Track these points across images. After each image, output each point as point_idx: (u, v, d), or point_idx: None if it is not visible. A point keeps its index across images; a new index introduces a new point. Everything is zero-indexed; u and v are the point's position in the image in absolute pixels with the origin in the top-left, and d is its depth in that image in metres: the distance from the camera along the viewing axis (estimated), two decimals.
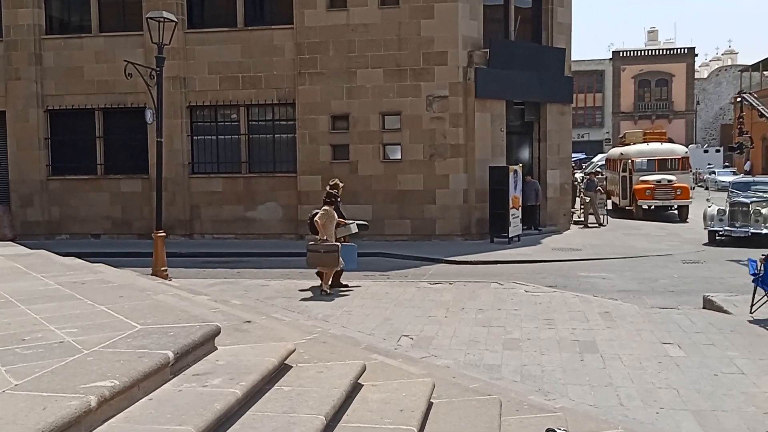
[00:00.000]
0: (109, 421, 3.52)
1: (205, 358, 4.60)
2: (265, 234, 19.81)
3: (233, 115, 20.37)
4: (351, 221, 12.35)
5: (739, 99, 20.80)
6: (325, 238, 11.27)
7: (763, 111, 19.27)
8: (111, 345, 4.31)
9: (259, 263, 16.00)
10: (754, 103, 20.31)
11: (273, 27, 19.71)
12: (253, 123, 20.26)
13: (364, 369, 5.08)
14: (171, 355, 4.15)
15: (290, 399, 4.26)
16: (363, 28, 18.90)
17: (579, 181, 26.52)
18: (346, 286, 11.69)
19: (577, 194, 25.45)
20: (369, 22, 18.87)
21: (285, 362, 4.88)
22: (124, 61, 14.37)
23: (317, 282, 11.68)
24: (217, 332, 4.88)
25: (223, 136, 20.35)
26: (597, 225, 22.70)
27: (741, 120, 19.87)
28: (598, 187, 24.45)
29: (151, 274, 12.02)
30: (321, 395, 4.34)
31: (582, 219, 23.72)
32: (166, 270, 12.52)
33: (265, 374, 4.45)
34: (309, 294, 11.42)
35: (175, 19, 13.13)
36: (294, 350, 5.08)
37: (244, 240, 19.58)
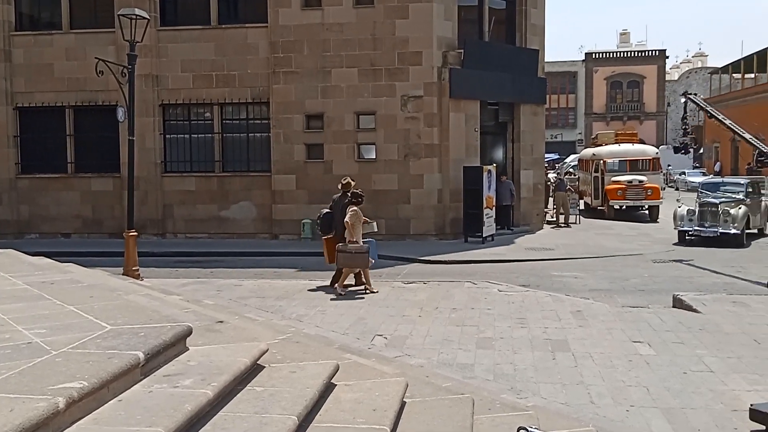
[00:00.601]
0: (78, 423, 3.48)
1: (177, 359, 4.55)
2: (239, 233, 19.70)
3: (207, 113, 20.22)
4: (371, 220, 12.34)
5: (684, 100, 20.58)
6: (355, 239, 11.37)
7: (712, 112, 19.28)
8: (80, 346, 4.25)
9: (233, 263, 15.91)
10: (701, 104, 20.30)
11: (247, 25, 19.60)
12: (227, 122, 20.14)
13: (337, 369, 5.07)
14: (141, 355, 4.11)
15: (262, 399, 4.24)
16: (338, 27, 18.88)
17: (551, 181, 26.73)
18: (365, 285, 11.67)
19: (550, 194, 25.66)
20: (344, 22, 18.85)
21: (258, 362, 4.86)
22: (96, 58, 14.20)
23: (316, 282, 11.65)
24: (189, 332, 4.83)
25: (196, 135, 20.19)
26: (565, 225, 22.83)
27: (685, 120, 19.73)
28: (569, 188, 24.66)
29: (123, 274, 11.88)
30: (293, 395, 4.32)
31: (554, 219, 23.92)
32: (137, 270, 12.40)
33: (237, 375, 4.42)
34: (324, 292, 11.38)
35: (148, 17, 13.01)
36: (267, 350, 5.06)
37: (217, 239, 19.46)
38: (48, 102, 20.19)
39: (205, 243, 18.98)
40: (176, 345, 4.63)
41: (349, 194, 11.74)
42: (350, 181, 12.23)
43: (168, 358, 4.48)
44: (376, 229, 12.35)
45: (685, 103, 20.30)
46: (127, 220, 12.99)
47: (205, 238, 19.63)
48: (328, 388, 4.82)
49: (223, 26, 19.72)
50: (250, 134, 20.06)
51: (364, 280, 11.55)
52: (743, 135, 16.80)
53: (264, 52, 19.39)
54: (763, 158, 14.52)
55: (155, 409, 3.68)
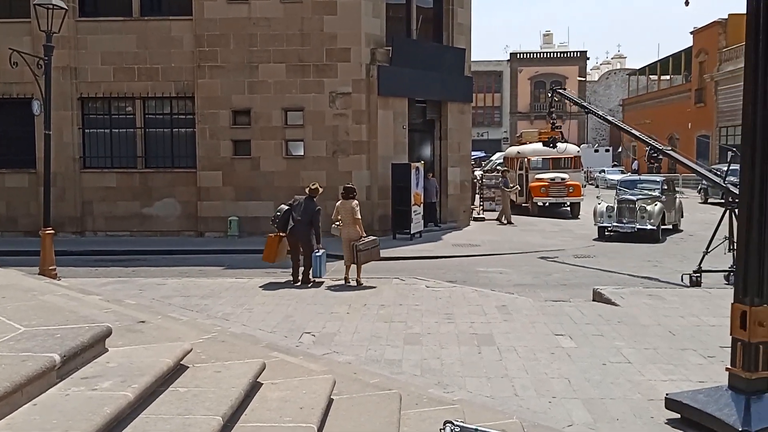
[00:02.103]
0: None
1: (95, 361, 4.40)
2: (162, 231, 19.24)
3: (128, 107, 19.65)
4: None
5: (551, 94, 20.23)
6: (365, 235, 11.81)
7: (585, 105, 19.43)
8: None
9: (156, 261, 15.51)
10: (571, 97, 20.38)
11: (171, 18, 19.14)
12: (150, 116, 19.63)
13: (263, 367, 5.01)
14: (57, 358, 3.96)
15: (186, 400, 4.15)
16: (265, 22, 18.66)
17: (478, 178, 27.14)
18: (313, 281, 11.89)
19: (477, 191, 26.05)
20: (271, 16, 18.64)
21: (181, 363, 4.75)
22: (9, 49, 13.54)
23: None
24: (108, 333, 4.68)
25: (117, 130, 19.60)
26: (507, 222, 23.13)
27: (552, 114, 19.57)
28: (511, 185, 25.08)
29: (38, 274, 11.41)
30: (218, 395, 4.24)
31: (481, 215, 24.33)
32: (54, 269, 11.94)
33: (159, 376, 4.31)
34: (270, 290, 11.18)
35: (65, 6, 12.51)
36: (190, 350, 4.95)
37: (140, 237, 18.94)
38: None
39: (127, 241, 18.45)
40: (95, 346, 4.48)
41: (342, 191, 11.86)
42: (318, 186, 12.23)
43: (86, 360, 4.33)
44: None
45: (551, 97, 20.01)
46: (43, 218, 12.47)
47: (126, 237, 19.08)
48: (255, 387, 4.76)
49: (146, 18, 19.19)
50: (174, 129, 19.60)
51: (356, 273, 11.80)
52: (631, 131, 17.11)
53: (189, 46, 18.98)
54: (655, 154, 14.92)
55: (72, 412, 3.55)
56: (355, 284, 11.68)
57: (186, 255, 16.19)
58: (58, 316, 4.95)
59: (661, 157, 15.17)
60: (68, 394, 3.83)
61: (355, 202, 11.75)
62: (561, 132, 20.25)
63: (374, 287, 11.49)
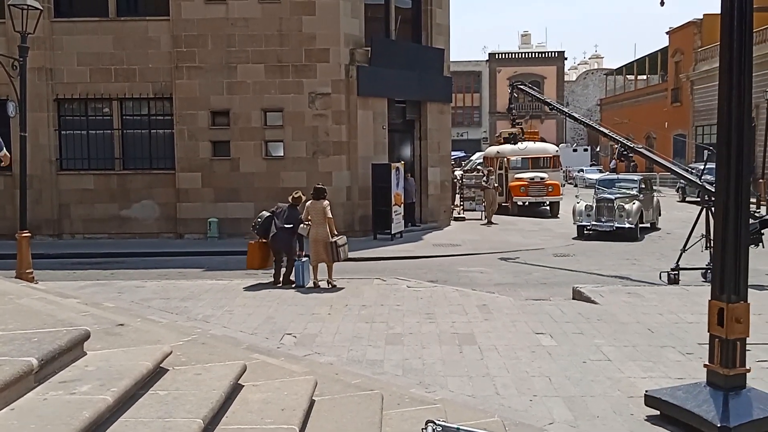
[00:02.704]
0: None
1: (74, 364, 4.35)
2: (141, 233, 19.08)
3: (105, 108, 19.47)
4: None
5: (510, 90, 19.67)
6: (336, 232, 11.69)
7: (548, 101, 19.29)
8: None
9: (135, 264, 15.38)
10: (536, 95, 19.85)
11: (148, 18, 19.00)
12: (128, 117, 19.46)
13: (244, 369, 4.97)
14: (35, 362, 3.90)
15: (166, 403, 4.11)
16: (243, 22, 18.57)
17: (458, 178, 27.21)
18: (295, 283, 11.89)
19: (457, 191, 26.11)
20: (249, 17, 18.57)
21: (161, 365, 4.70)
22: None
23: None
24: (87, 336, 4.62)
25: (94, 131, 19.40)
26: (487, 223, 23.19)
27: (512, 110, 19.26)
28: (496, 185, 25.13)
29: (15, 277, 11.26)
30: (199, 398, 4.21)
31: (461, 215, 24.39)
32: (31, 272, 11.79)
33: (139, 379, 4.26)
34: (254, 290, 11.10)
35: (40, 7, 12.38)
36: (170, 353, 4.90)
37: (118, 240, 18.77)
38: None
39: (105, 244, 18.27)
40: (73, 350, 4.42)
41: (312, 192, 11.79)
42: (302, 195, 12.19)
43: (64, 364, 4.28)
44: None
45: (511, 93, 19.56)
46: (19, 221, 12.32)
47: (104, 239, 18.90)
48: (236, 389, 4.72)
49: (122, 18, 19.03)
50: (152, 131, 19.46)
51: (315, 277, 11.71)
52: (599, 128, 17.15)
53: (166, 46, 18.84)
54: (626, 152, 14.94)
55: (50, 417, 3.50)
56: (328, 287, 11.48)
57: (165, 257, 16.08)
58: (36, 320, 4.88)
59: (631, 154, 15.16)
60: (46, 398, 3.78)
61: (326, 202, 11.59)
62: (522, 128, 19.86)
63: (343, 288, 11.37)
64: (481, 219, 23.59)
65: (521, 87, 19.73)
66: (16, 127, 14.31)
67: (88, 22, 19.01)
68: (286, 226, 11.68)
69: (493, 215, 23.65)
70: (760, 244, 11.57)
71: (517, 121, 18.99)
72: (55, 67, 18.96)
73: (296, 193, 12.21)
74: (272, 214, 11.93)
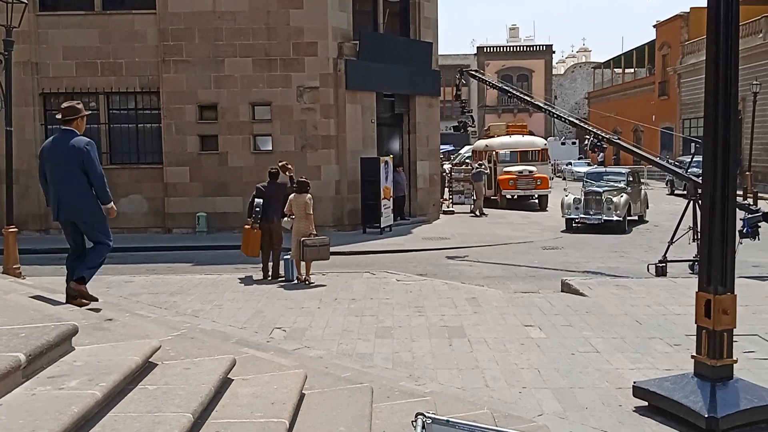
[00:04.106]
0: None
1: (62, 360, 4.33)
2: (129, 228, 18.92)
3: (92, 103, 19.27)
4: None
5: (459, 76, 18.79)
6: (315, 232, 11.45)
7: (506, 88, 18.86)
8: None
9: (123, 258, 15.27)
10: (490, 82, 19.18)
11: (134, 12, 18.87)
12: (114, 112, 19.33)
13: (234, 363, 4.97)
14: (22, 357, 3.88)
15: (155, 398, 4.10)
16: (230, 15, 18.48)
17: (447, 172, 27.24)
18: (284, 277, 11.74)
19: (446, 185, 26.15)
20: (236, 10, 18.48)
21: (150, 360, 4.69)
22: None
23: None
24: (75, 332, 4.60)
25: None
26: (473, 215, 23.21)
27: (459, 96, 18.52)
28: (487, 171, 25.14)
29: (2, 273, 11.21)
30: (188, 392, 4.20)
31: (450, 209, 24.43)
32: (18, 268, 11.70)
33: (128, 374, 4.25)
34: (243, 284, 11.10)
35: (25, 1, 12.25)
36: (159, 347, 4.89)
37: None
38: None
39: None
40: (61, 345, 4.40)
41: (294, 184, 11.58)
42: (286, 164, 12.11)
43: (52, 359, 4.26)
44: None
45: (459, 80, 18.78)
46: (6, 216, 12.23)
47: None
48: (225, 383, 4.72)
49: (108, 12, 18.90)
50: (139, 125, 19.34)
51: (305, 271, 11.49)
52: (569, 118, 16.98)
53: (153, 40, 18.72)
54: (599, 143, 14.74)
55: (39, 412, 3.48)
56: (304, 282, 11.33)
57: (154, 252, 16.01)
58: (23, 315, 4.86)
59: (605, 146, 14.97)
60: (35, 393, 3.76)
61: (309, 196, 11.43)
62: (471, 116, 19.30)
63: (324, 285, 11.17)
64: (476, 213, 23.58)
65: (471, 72, 19.15)
66: (1, 121, 14.16)
67: (74, 16, 18.86)
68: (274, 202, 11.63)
69: (483, 208, 23.72)
70: (757, 237, 11.57)
71: (466, 108, 18.46)
72: (41, 62, 18.81)
73: (280, 162, 12.14)
74: (260, 196, 11.77)
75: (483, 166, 25.20)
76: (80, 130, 7.30)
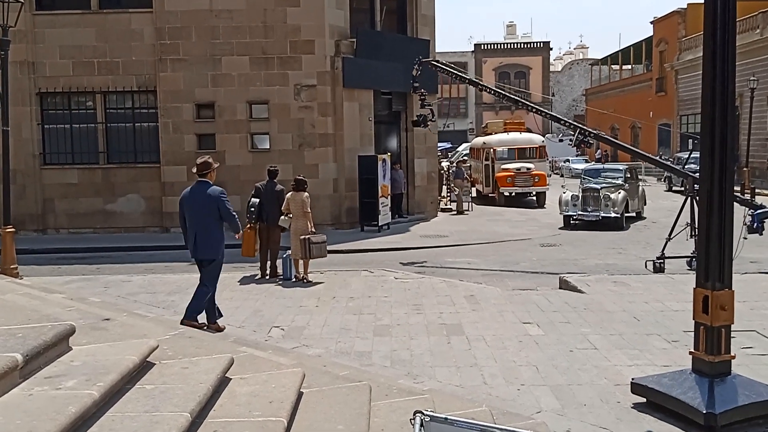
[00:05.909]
0: None
1: (59, 360, 4.32)
2: (127, 227, 18.97)
3: (89, 102, 19.29)
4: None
5: (418, 66, 16.91)
6: (314, 230, 11.44)
7: (463, 76, 18.20)
8: None
9: (121, 258, 15.29)
10: (455, 72, 17.70)
11: (130, 10, 18.82)
12: (111, 111, 19.29)
13: (231, 362, 4.97)
14: (20, 357, 3.87)
15: (153, 397, 4.09)
16: (227, 14, 18.44)
17: (445, 169, 27.25)
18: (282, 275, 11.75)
19: (444, 182, 26.15)
20: (233, 8, 18.43)
21: (147, 360, 4.68)
22: None
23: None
24: (72, 332, 4.60)
25: (77, 125, 19.22)
26: (457, 213, 23.22)
27: (416, 88, 16.90)
28: (465, 176, 25.19)
29: None
30: (186, 392, 4.19)
31: (449, 206, 24.42)
32: (16, 268, 11.69)
33: (125, 373, 4.24)
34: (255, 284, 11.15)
35: (21, 0, 12.23)
36: (157, 347, 4.88)
37: (104, 234, 18.64)
38: None
39: (90, 238, 18.14)
40: (58, 345, 4.40)
41: (292, 183, 11.57)
42: (277, 169, 12.23)
43: (49, 359, 4.25)
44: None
45: (417, 71, 16.98)
46: (2, 216, 12.21)
47: (89, 234, 18.76)
48: (223, 382, 4.72)
49: (105, 11, 18.85)
50: (136, 124, 19.30)
51: (303, 269, 11.50)
52: (549, 113, 16.83)
53: (149, 39, 18.68)
54: (585, 139, 14.55)
55: (36, 412, 3.48)
56: (302, 281, 11.30)
57: (151, 251, 15.98)
58: (20, 316, 4.85)
59: (591, 141, 14.78)
60: (32, 393, 3.76)
61: (306, 194, 11.42)
62: (431, 109, 18.07)
63: (323, 283, 11.20)
64: (458, 210, 23.57)
65: (434, 63, 17.90)
66: None
67: (70, 15, 18.81)
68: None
69: (473, 206, 23.79)
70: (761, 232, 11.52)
71: (426, 101, 17.35)
72: (37, 61, 18.76)
73: (271, 167, 12.19)
74: (257, 196, 11.74)
75: (467, 164, 25.17)
76: (212, 179, 8.41)
